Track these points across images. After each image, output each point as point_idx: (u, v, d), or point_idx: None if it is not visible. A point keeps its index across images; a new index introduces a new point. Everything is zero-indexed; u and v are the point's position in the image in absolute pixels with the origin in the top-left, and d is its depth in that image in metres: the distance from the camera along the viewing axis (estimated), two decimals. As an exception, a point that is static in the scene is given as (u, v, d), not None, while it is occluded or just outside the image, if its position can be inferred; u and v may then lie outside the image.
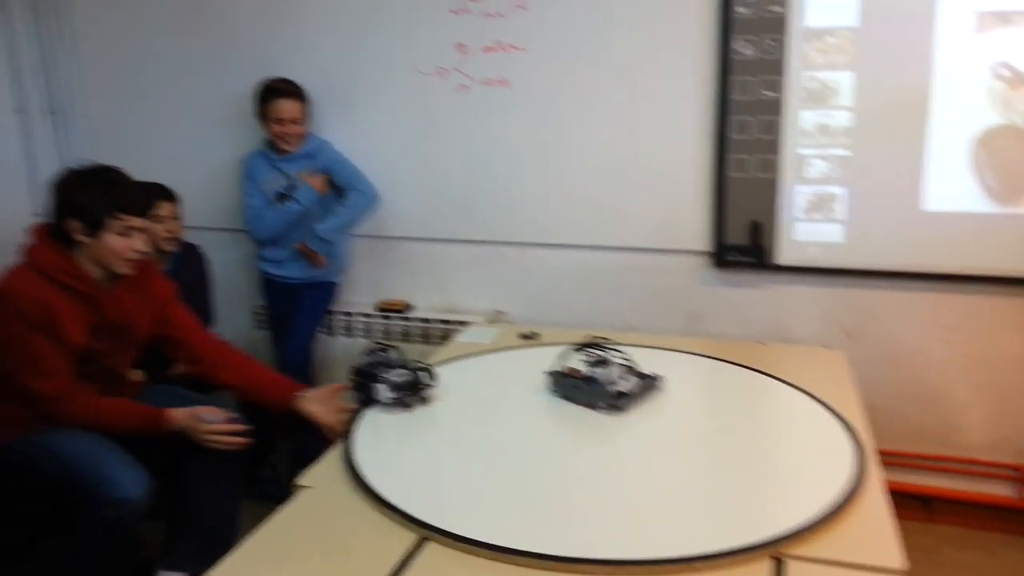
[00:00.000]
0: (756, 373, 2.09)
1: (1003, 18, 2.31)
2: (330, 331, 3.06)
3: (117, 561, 1.93)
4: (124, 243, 1.86)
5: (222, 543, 2.07)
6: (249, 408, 2.30)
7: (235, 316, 3.17)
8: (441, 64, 2.86)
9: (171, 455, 2.05)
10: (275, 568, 1.26)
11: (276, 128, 2.77)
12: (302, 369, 2.88)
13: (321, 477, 1.54)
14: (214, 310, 2.88)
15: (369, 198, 2.91)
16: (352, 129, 2.98)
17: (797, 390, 1.96)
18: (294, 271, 2.93)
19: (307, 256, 2.86)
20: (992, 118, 2.38)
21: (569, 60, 2.73)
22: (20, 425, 1.90)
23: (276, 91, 2.76)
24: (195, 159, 3.17)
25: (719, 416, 1.85)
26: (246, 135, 3.02)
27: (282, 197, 2.87)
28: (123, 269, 1.89)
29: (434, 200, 2.99)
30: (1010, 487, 2.60)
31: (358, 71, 2.95)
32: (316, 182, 2.81)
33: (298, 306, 2.93)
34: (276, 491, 1.51)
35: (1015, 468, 2.58)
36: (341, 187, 2.90)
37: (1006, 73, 2.34)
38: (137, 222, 1.89)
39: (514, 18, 2.74)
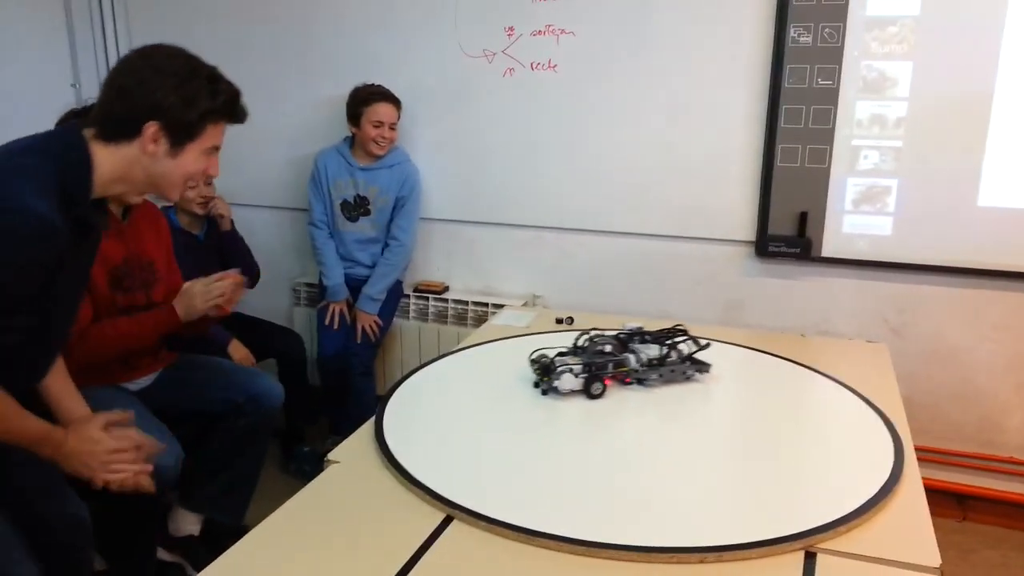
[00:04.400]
0: (796, 365, 2.05)
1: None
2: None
3: (150, 529, 1.98)
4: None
5: (239, 497, 2.15)
6: (291, 383, 2.35)
7: (276, 292, 3.22)
8: (489, 47, 2.84)
9: (200, 428, 2.11)
10: (300, 541, 1.27)
11: (374, 131, 2.81)
12: (368, 364, 2.91)
13: (351, 452, 1.55)
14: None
15: (409, 252, 2.98)
16: (410, 111, 2.98)
17: (837, 383, 1.91)
18: (357, 268, 2.97)
19: (361, 326, 2.89)
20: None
21: (618, 45, 2.69)
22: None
23: (378, 94, 2.82)
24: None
25: (757, 407, 1.81)
26: (296, 121, 3.07)
27: (349, 207, 2.90)
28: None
29: (475, 183, 2.99)
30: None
31: (405, 54, 2.96)
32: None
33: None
34: (313, 467, 1.53)
35: (1058, 470, 2.51)
36: (393, 216, 2.93)
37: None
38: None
39: (564, 2, 2.72)
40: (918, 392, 2.53)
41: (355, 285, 2.94)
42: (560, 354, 1.87)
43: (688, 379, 1.89)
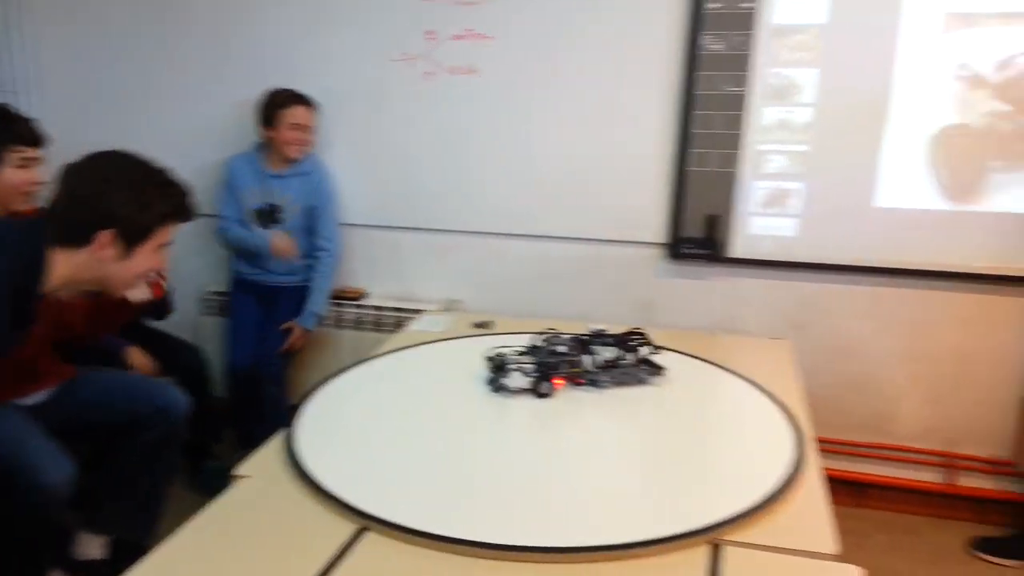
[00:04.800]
0: (704, 362, 2.11)
1: (967, 19, 2.35)
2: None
3: (41, 551, 1.88)
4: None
5: (147, 515, 2.08)
6: (195, 398, 2.28)
7: (182, 303, 3.11)
8: (409, 51, 2.83)
9: (102, 443, 2.02)
10: (206, 559, 1.23)
11: (291, 135, 2.75)
12: (279, 373, 2.85)
13: (261, 466, 1.52)
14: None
15: (338, 258, 2.93)
16: (324, 114, 2.94)
17: (743, 379, 1.99)
18: (272, 274, 2.89)
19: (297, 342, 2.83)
20: (950, 117, 2.42)
21: (538, 50, 2.72)
22: None
23: (296, 97, 2.76)
24: (149, 138, 3.11)
25: (664, 404, 1.86)
26: (208, 124, 2.98)
27: (261, 215, 2.83)
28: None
29: (395, 187, 2.97)
30: (937, 473, 2.69)
31: (323, 57, 2.91)
32: (285, 245, 2.78)
33: (278, 309, 2.86)
34: (222, 483, 1.49)
35: (943, 455, 2.67)
36: (312, 224, 2.87)
37: (966, 74, 2.38)
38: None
39: (484, 6, 2.73)
40: (819, 385, 2.64)
41: (264, 292, 2.88)
42: (521, 353, 1.89)
43: (641, 382, 1.92)
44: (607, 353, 1.91)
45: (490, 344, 1.99)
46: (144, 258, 1.52)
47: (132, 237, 1.48)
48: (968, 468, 2.66)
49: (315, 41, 2.90)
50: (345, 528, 1.31)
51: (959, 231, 2.48)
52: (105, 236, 1.44)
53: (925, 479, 2.70)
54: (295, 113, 2.74)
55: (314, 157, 2.89)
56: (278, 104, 2.75)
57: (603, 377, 1.89)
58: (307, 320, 2.83)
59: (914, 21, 2.39)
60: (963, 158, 2.45)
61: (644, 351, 1.95)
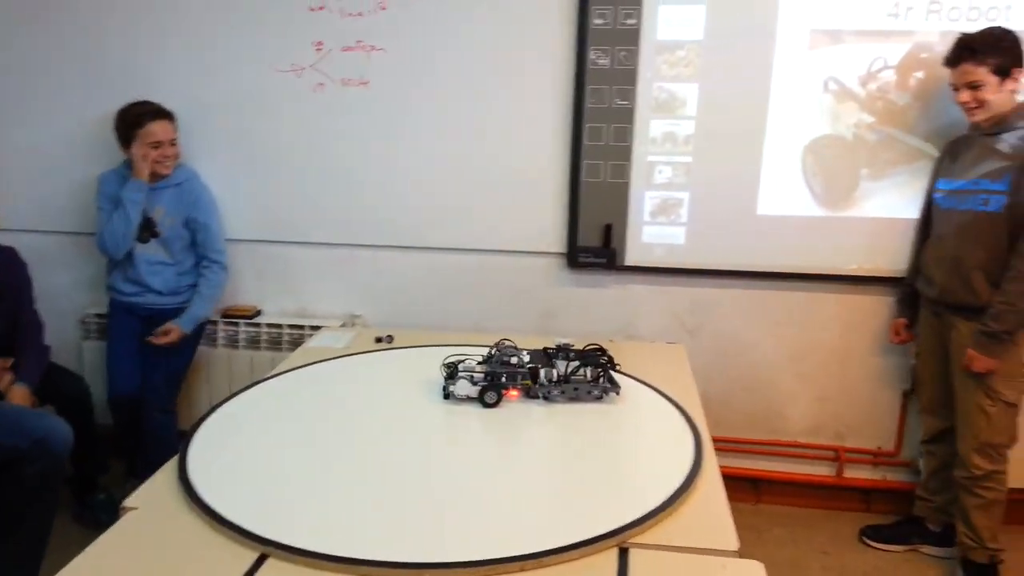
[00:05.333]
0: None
1: (833, 36, 2.50)
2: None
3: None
4: None
5: (31, 554, 1.94)
6: (77, 427, 2.14)
7: (62, 324, 2.93)
8: (297, 62, 2.76)
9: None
10: (96, 596, 1.16)
11: (153, 153, 2.61)
12: (170, 400, 2.71)
13: (151, 496, 1.44)
14: (37, 316, 2.62)
15: (226, 271, 2.82)
16: (203, 126, 2.83)
17: (642, 384, 2.04)
18: (148, 295, 2.74)
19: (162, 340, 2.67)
20: (820, 128, 2.57)
21: (429, 62, 2.71)
22: None
23: (150, 113, 2.61)
24: (17, 155, 2.91)
25: (567, 412, 1.88)
26: (79, 139, 2.81)
27: (137, 229, 2.68)
28: None
29: (286, 201, 2.89)
30: (828, 467, 2.84)
31: (207, 68, 2.80)
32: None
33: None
34: (110, 516, 1.40)
35: (832, 449, 2.82)
36: (195, 238, 2.76)
37: (834, 87, 2.54)
38: None
39: (374, 18, 2.69)
40: (713, 387, 2.75)
41: (145, 315, 2.73)
42: (480, 363, 1.89)
43: (597, 399, 1.90)
44: (561, 367, 1.90)
45: (393, 359, 1.96)
46: None
47: None
48: (855, 461, 2.82)
49: (194, 51, 2.79)
50: (245, 556, 1.25)
51: (834, 236, 2.63)
52: None
53: (817, 473, 2.85)
54: (151, 131, 2.60)
55: (185, 168, 2.77)
56: (131, 124, 2.61)
57: (554, 391, 1.89)
58: (185, 322, 2.69)
59: (785, 38, 2.53)
60: (834, 167, 2.60)
61: (596, 369, 1.92)
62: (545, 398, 1.90)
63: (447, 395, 1.89)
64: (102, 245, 2.68)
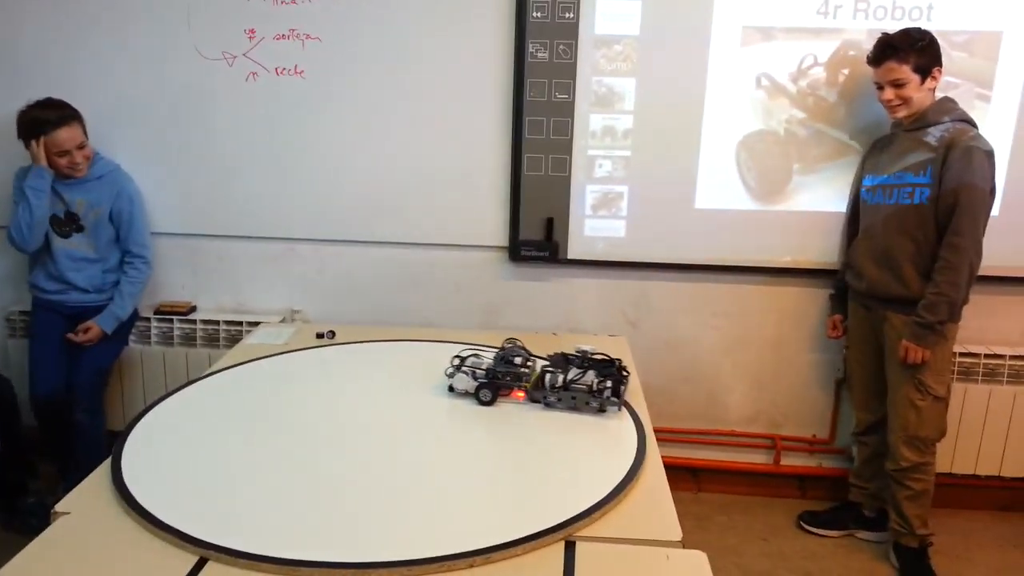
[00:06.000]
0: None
1: (765, 33, 2.56)
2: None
3: None
4: None
5: None
6: (2, 431, 2.04)
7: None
8: (228, 50, 2.69)
9: None
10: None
11: (62, 161, 2.49)
12: (96, 399, 2.61)
13: (84, 500, 1.39)
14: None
15: (150, 267, 2.74)
16: (130, 117, 2.73)
17: (586, 378, 2.05)
18: (71, 293, 2.64)
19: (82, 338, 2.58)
20: (754, 124, 2.63)
21: (366, 53, 2.67)
22: None
23: (51, 121, 2.46)
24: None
25: (511, 407, 1.89)
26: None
27: (59, 222, 2.57)
28: None
29: (220, 193, 2.81)
30: (765, 454, 2.93)
31: (138, 56, 2.70)
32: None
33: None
34: (41, 521, 1.34)
35: (769, 437, 2.90)
36: (119, 231, 2.66)
37: (766, 83, 2.60)
38: None
39: (307, 6, 2.64)
40: (654, 378, 2.80)
41: (69, 313, 2.63)
42: (496, 359, 1.87)
43: (599, 411, 1.82)
44: (561, 376, 1.85)
45: (335, 355, 1.93)
46: None
47: None
48: (792, 448, 2.90)
49: (118, 39, 2.68)
50: (184, 560, 1.22)
51: (768, 229, 2.70)
52: None
53: (755, 461, 2.93)
54: (55, 139, 2.47)
55: (106, 161, 2.66)
56: (32, 133, 2.48)
57: (551, 398, 1.85)
58: (105, 321, 2.61)
59: (719, 34, 2.58)
60: (767, 162, 2.67)
61: (603, 380, 1.84)
62: (546, 404, 1.85)
63: (451, 388, 1.88)
64: (9, 238, 2.56)
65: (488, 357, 1.92)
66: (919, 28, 2.28)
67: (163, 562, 1.22)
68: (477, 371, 1.86)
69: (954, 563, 2.51)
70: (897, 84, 2.26)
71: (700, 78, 2.61)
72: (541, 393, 1.86)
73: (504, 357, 1.91)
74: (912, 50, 2.23)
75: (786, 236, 2.70)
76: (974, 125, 2.26)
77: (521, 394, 1.88)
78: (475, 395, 1.85)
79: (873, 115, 2.53)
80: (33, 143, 2.48)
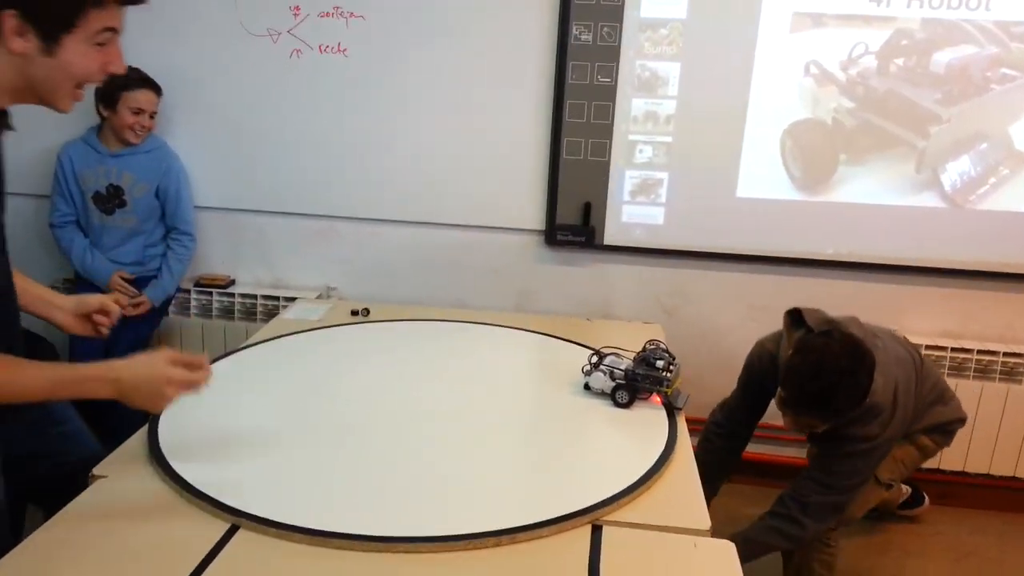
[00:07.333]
0: (581, 347, 2.15)
1: (815, 19, 2.50)
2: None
3: None
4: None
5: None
6: None
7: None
8: (273, 27, 2.70)
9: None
10: (65, 562, 1.14)
11: (132, 119, 2.58)
12: None
13: (120, 465, 1.42)
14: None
15: (195, 242, 2.80)
16: (174, 92, 2.75)
17: (619, 364, 2.03)
18: (117, 265, 2.70)
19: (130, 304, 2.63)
20: (800, 112, 2.58)
21: (409, 33, 2.66)
22: None
23: (139, 80, 2.58)
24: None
25: (544, 391, 1.88)
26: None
27: (102, 199, 2.63)
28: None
29: (262, 170, 2.84)
30: (798, 448, 2.85)
31: (183, 32, 2.73)
32: (121, 287, 2.64)
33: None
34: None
35: (806, 432, 2.85)
36: (164, 208, 2.73)
37: (815, 71, 2.54)
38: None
39: (351, -18, 2.64)
40: (688, 367, 2.74)
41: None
42: (636, 360, 1.82)
43: (623, 406, 1.78)
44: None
45: (369, 331, 1.94)
46: (79, 53, 1.18)
47: (46, 21, 1.13)
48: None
49: (166, 15, 2.71)
50: (216, 527, 1.24)
51: (810, 221, 2.65)
52: (9, 19, 1.09)
53: (787, 454, 2.87)
54: (136, 97, 2.57)
55: (155, 138, 2.72)
56: (119, 85, 2.56)
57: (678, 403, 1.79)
58: (155, 294, 2.69)
59: (767, 19, 2.52)
60: (813, 151, 2.61)
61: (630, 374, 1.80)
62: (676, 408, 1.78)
63: (587, 386, 1.83)
64: (58, 235, 2.70)
65: (628, 358, 1.85)
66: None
67: (195, 528, 1.24)
68: (615, 371, 1.80)
69: (987, 565, 2.45)
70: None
71: (747, 64, 2.55)
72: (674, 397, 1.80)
73: (645, 359, 1.84)
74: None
75: (829, 228, 2.64)
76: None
77: (658, 399, 1.80)
78: (611, 396, 1.79)
79: (924, 107, 2.46)
80: (120, 112, 2.57)
